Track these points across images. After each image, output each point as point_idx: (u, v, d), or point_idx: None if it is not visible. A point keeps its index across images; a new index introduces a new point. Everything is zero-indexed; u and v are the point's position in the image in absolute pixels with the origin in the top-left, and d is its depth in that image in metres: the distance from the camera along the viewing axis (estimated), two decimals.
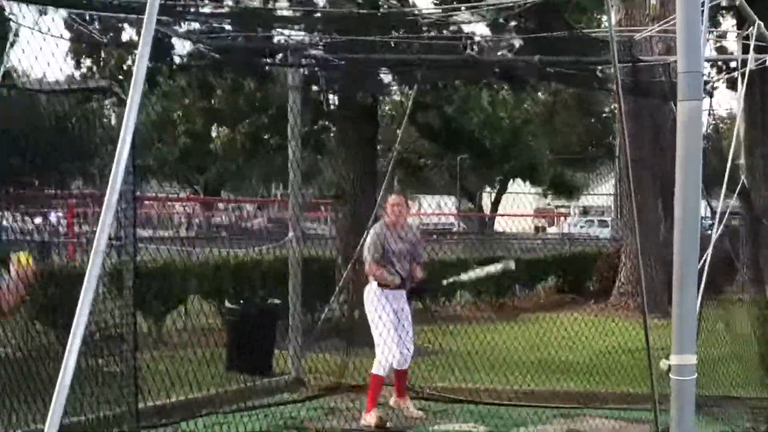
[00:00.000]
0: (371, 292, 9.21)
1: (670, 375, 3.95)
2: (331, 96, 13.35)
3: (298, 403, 9.92)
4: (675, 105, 4.04)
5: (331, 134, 23.26)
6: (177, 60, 10.20)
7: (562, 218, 53.36)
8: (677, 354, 3.91)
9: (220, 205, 35.12)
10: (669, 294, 4.24)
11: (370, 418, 9.04)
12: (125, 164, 3.18)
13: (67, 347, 3.02)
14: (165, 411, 8.78)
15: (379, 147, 19.13)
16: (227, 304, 12.31)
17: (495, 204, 51.17)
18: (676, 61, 4.01)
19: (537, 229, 50.14)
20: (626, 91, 10.26)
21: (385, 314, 9.07)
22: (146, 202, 16.12)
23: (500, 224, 43.69)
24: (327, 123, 22.16)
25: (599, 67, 10.34)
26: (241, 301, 12.19)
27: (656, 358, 4.85)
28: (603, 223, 48.07)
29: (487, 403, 9.96)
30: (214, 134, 36.60)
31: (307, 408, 9.76)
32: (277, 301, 11.95)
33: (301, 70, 11.01)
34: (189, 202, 29.48)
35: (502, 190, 50.53)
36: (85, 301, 3.03)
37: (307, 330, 11.43)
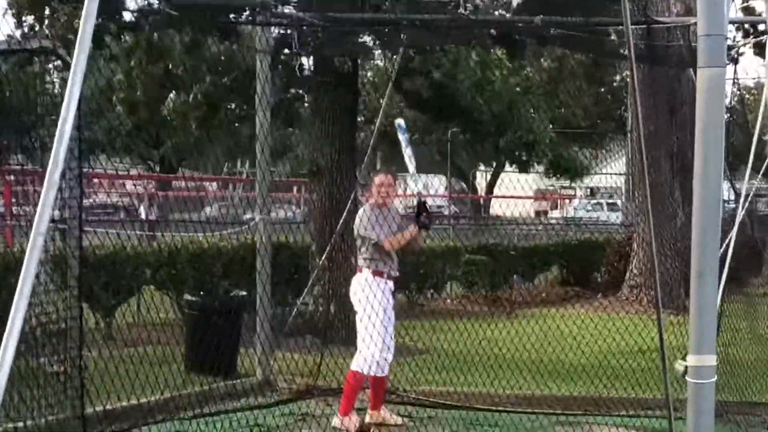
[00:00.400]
0: (364, 282, 9.14)
1: (686, 378, 3.98)
2: (305, 60, 13.28)
3: (266, 409, 9.92)
4: (695, 72, 4.06)
5: (305, 104, 23.21)
6: (128, 17, 10.11)
7: (566, 201, 53.43)
8: (695, 354, 3.95)
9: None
10: (686, 287, 4.28)
11: (347, 423, 9.02)
12: (69, 136, 3.16)
13: (2, 343, 3.01)
14: (114, 416, 8.76)
15: (359, 119, 19.12)
16: (186, 295, 12.30)
17: (491, 185, 51.14)
18: (696, 23, 4.02)
19: (538, 213, 50.21)
20: (640, 56, 10.28)
21: (377, 309, 8.99)
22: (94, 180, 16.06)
23: (496, 207, 43.73)
24: (300, 91, 22.09)
25: (609, 29, 10.35)
26: (202, 293, 12.18)
27: (671, 359, 4.88)
28: (612, 207, 48.18)
29: (479, 409, 9.99)
30: (169, 102, 36.44)
31: (276, 414, 9.76)
32: (242, 292, 11.94)
33: (271, 30, 10.96)
34: (142, 179, 29.40)
35: (499, 169, 50.47)
36: (23, 290, 3.02)
37: (276, 326, 11.43)
